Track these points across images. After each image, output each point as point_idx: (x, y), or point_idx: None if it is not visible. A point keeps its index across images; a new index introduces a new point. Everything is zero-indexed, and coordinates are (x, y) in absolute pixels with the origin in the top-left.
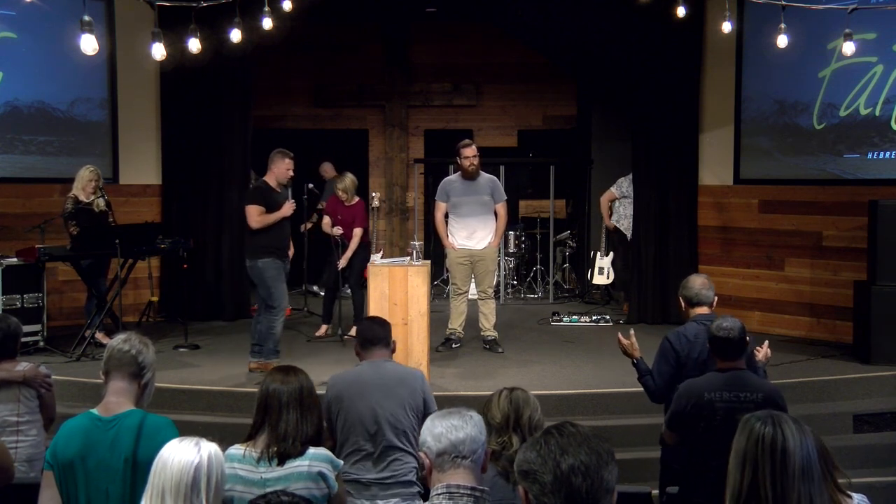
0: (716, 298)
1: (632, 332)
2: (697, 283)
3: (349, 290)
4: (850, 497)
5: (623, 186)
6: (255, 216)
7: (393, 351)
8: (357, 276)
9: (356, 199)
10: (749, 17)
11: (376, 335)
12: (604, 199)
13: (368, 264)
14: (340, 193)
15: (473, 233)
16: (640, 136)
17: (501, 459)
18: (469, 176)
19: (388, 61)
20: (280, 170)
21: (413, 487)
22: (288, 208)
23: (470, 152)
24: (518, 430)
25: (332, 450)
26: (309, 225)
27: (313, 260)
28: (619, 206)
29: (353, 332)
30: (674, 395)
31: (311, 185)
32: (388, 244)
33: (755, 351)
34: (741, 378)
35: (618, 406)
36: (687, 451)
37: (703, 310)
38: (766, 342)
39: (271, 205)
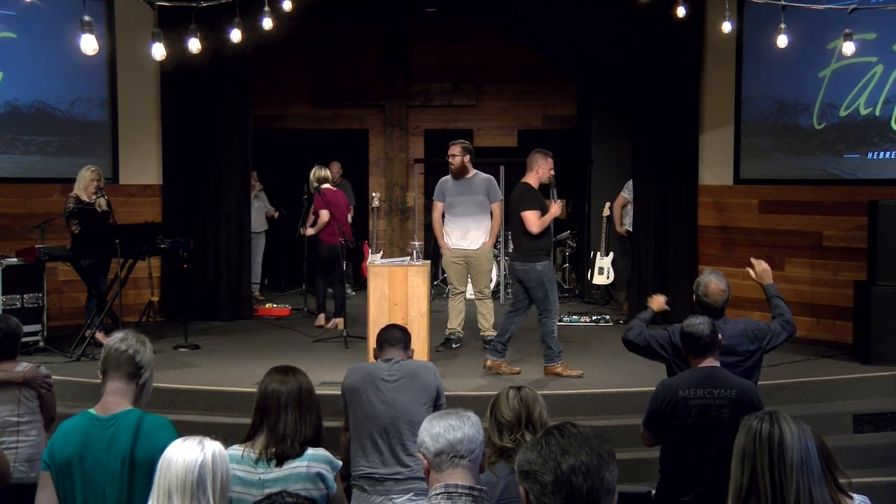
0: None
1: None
2: (715, 291)
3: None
4: (850, 497)
5: (631, 189)
6: (536, 220)
7: (409, 358)
8: (337, 272)
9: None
10: (749, 17)
11: (393, 336)
12: (617, 206)
13: (366, 263)
14: (312, 178)
15: (467, 233)
16: (640, 136)
17: (515, 457)
18: (455, 174)
19: (388, 61)
20: (544, 170)
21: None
22: (557, 208)
23: (453, 150)
24: (530, 426)
25: (349, 442)
26: (310, 231)
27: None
28: (630, 209)
29: (339, 323)
30: (650, 397)
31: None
32: (388, 244)
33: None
34: (714, 375)
35: (618, 406)
36: (664, 449)
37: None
38: (752, 259)
39: (543, 207)
